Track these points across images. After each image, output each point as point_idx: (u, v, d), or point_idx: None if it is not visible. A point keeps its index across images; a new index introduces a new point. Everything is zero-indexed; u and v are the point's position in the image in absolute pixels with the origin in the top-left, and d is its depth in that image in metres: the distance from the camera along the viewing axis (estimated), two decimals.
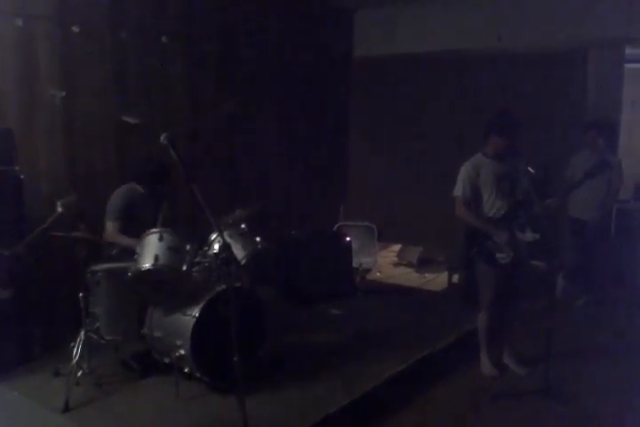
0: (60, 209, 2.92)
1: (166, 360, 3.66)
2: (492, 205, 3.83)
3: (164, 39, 5.15)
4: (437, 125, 6.58)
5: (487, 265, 3.82)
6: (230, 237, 3.76)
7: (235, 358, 2.88)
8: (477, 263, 3.92)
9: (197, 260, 3.76)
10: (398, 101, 6.84)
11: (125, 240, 3.88)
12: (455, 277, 5.65)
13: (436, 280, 6.02)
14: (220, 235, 3.05)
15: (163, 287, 3.62)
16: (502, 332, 4.09)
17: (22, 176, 3.96)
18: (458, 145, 5.97)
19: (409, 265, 6.52)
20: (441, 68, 6.53)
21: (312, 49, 6.46)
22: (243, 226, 4.09)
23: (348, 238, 5.61)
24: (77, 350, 3.56)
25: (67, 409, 3.35)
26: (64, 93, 4.51)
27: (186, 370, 3.56)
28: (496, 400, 3.66)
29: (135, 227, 3.89)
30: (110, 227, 3.94)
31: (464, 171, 3.85)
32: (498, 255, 3.74)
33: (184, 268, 3.58)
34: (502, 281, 3.83)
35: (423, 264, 6.48)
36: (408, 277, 6.21)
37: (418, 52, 6.39)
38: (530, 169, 3.88)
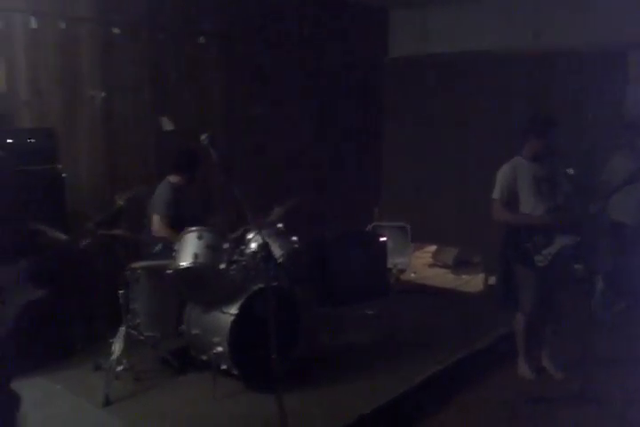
0: (120, 202, 2.95)
1: (203, 357, 3.70)
2: (531, 207, 3.78)
3: (201, 39, 5.22)
4: (473, 126, 6.52)
5: (526, 267, 3.78)
6: (267, 236, 3.78)
7: (273, 357, 2.89)
8: (516, 265, 3.88)
9: (235, 258, 3.80)
10: (433, 101, 6.80)
11: (172, 233, 3.93)
12: (491, 279, 5.60)
13: (472, 282, 5.96)
14: (259, 234, 3.07)
15: (201, 285, 3.67)
16: (541, 335, 4.04)
17: (64, 174, 4.06)
18: (495, 146, 5.91)
19: (444, 266, 6.47)
20: (476, 67, 6.47)
21: (346, 49, 6.47)
22: (280, 225, 4.11)
23: (382, 239, 5.59)
24: (117, 345, 3.64)
25: (107, 403, 3.42)
26: (104, 94, 4.60)
27: (223, 367, 3.59)
28: (533, 404, 3.61)
29: (181, 219, 3.97)
30: (157, 220, 4.02)
31: (502, 173, 3.82)
32: (536, 258, 3.70)
33: (222, 266, 3.62)
34: (541, 284, 3.78)
35: (459, 265, 6.42)
36: (443, 278, 6.17)
37: (452, 52, 6.35)
38: (569, 171, 3.83)
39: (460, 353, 4.18)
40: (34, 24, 4.16)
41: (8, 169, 2.76)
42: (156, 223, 4.05)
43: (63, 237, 2.84)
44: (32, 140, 3.92)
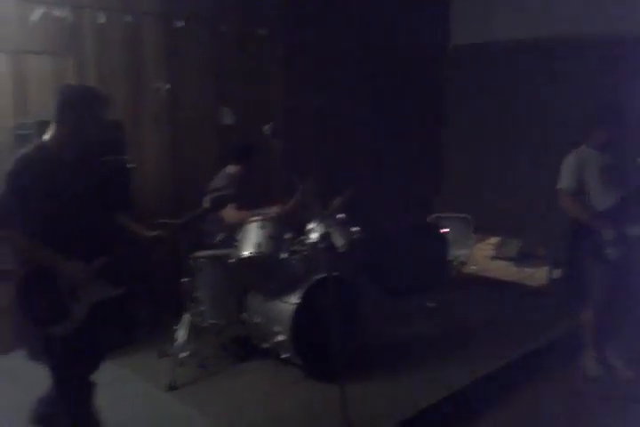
0: (206, 205, 3.02)
1: (265, 345, 3.74)
2: (599, 197, 3.64)
3: (262, 31, 5.25)
4: (538, 114, 6.32)
5: (595, 261, 3.64)
6: (328, 226, 3.78)
7: (335, 346, 2.91)
8: (584, 259, 3.74)
9: (296, 248, 3.82)
10: (497, 90, 6.63)
11: (245, 216, 3.97)
12: (556, 273, 5.43)
13: (536, 275, 5.80)
14: (321, 224, 3.08)
15: (263, 274, 3.71)
16: (610, 331, 3.90)
17: (131, 165, 4.17)
18: (560, 134, 5.71)
19: (507, 259, 6.32)
20: (547, 53, 6.25)
21: (407, 36, 6.37)
22: (340, 215, 4.10)
23: (443, 230, 5.51)
24: (181, 332, 3.72)
25: (172, 388, 3.51)
26: (168, 86, 4.70)
27: (284, 356, 3.63)
28: (596, 403, 3.49)
29: (240, 205, 4.03)
30: (227, 209, 4.07)
31: (568, 163, 3.69)
32: (607, 250, 3.56)
33: (283, 256, 3.65)
34: (611, 278, 3.65)
35: (522, 258, 6.26)
36: (506, 271, 6.03)
37: (517, 39, 6.16)
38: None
39: (523, 348, 4.08)
40: (102, 19, 4.28)
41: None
42: (227, 212, 4.10)
43: (149, 233, 2.88)
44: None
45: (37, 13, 3.97)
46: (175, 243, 3.81)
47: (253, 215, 3.89)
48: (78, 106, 2.55)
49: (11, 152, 3.71)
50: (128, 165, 4.13)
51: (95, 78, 4.30)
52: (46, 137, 2.58)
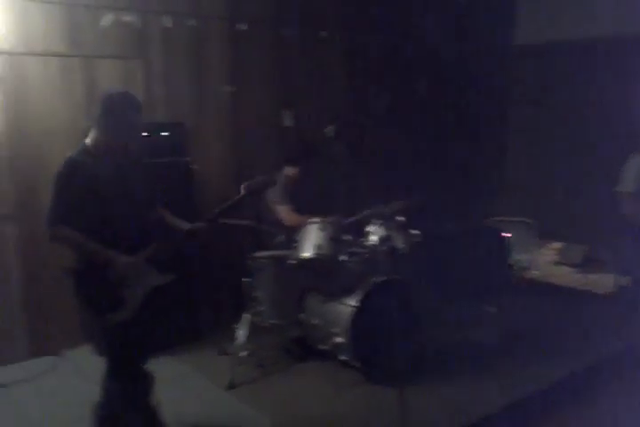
0: (243, 191, 3.06)
1: (323, 347, 3.75)
2: None
3: (323, 34, 5.27)
4: (603, 117, 6.12)
5: None
6: (388, 229, 3.76)
7: (395, 350, 2.89)
8: None
9: (355, 250, 3.81)
10: (560, 91, 6.45)
11: (303, 220, 3.98)
12: (623, 280, 5.24)
13: (601, 282, 5.60)
14: (381, 226, 3.06)
15: (322, 276, 3.72)
16: None
17: (193, 167, 4.26)
18: (627, 135, 5.51)
19: (571, 265, 6.13)
20: (615, 53, 6.05)
21: (470, 37, 6.27)
22: (399, 218, 4.07)
23: (504, 234, 5.40)
24: (241, 331, 3.77)
25: (232, 386, 3.56)
26: (231, 89, 4.77)
27: (342, 358, 3.63)
28: None
29: (297, 209, 4.08)
30: (285, 210, 4.13)
31: (630, 165, 3.56)
32: None
33: (343, 258, 3.65)
34: None
35: (587, 264, 6.06)
36: (569, 277, 5.83)
37: (583, 38, 5.98)
38: None
39: (588, 357, 3.96)
40: (168, 23, 4.39)
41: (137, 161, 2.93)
42: (285, 213, 4.14)
43: (185, 225, 2.96)
44: (165, 134, 4.13)
45: (107, 19, 4.11)
46: (238, 243, 3.89)
47: (312, 220, 3.90)
48: (112, 112, 2.68)
49: None
50: (191, 167, 4.21)
51: (161, 81, 4.41)
52: (87, 141, 2.73)
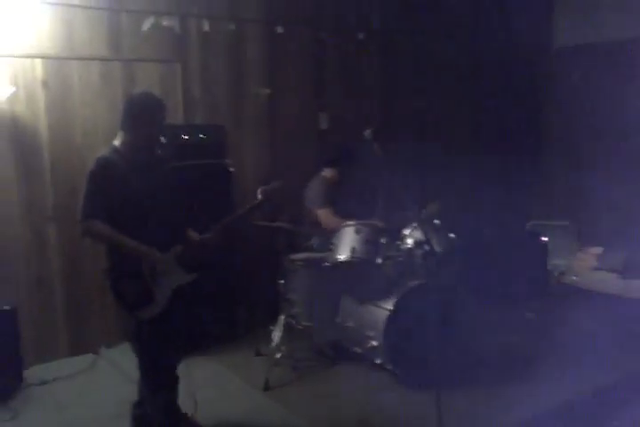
0: (259, 196, 3.08)
1: (358, 350, 3.75)
2: None
3: (360, 36, 5.27)
4: None
5: None
6: (425, 232, 3.74)
7: (430, 354, 2.87)
8: None
9: (391, 253, 3.79)
10: (603, 93, 6.32)
11: (341, 222, 3.96)
12: None
13: None
14: (417, 229, 3.04)
15: (357, 279, 3.72)
16: None
17: (231, 169, 4.29)
18: None
19: (611, 270, 5.99)
20: None
21: (507, 38, 6.19)
22: (436, 221, 4.04)
23: (543, 238, 5.31)
24: (277, 333, 3.79)
25: (267, 388, 3.57)
26: (269, 91, 4.80)
27: (377, 361, 3.61)
28: None
29: (340, 210, 4.08)
30: (323, 214, 4.13)
31: None
32: None
33: (379, 261, 3.64)
34: None
35: (629, 270, 5.91)
36: (610, 283, 5.70)
37: (625, 39, 5.85)
38: None
39: (631, 366, 3.86)
40: (207, 27, 4.44)
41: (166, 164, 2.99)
42: (324, 216, 4.14)
43: (195, 236, 3.00)
44: (203, 136, 4.18)
45: (148, 23, 4.17)
46: (274, 245, 3.91)
47: (348, 222, 3.90)
48: (134, 112, 2.75)
49: None
50: (229, 169, 4.25)
51: (199, 84, 4.46)
52: (116, 142, 2.80)
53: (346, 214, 4.06)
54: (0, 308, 3.57)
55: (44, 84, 3.84)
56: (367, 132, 2.86)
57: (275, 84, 4.84)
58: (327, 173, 4.34)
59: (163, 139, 2.86)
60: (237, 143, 4.62)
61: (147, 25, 4.16)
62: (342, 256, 3.66)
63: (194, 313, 3.29)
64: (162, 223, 2.81)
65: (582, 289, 5.53)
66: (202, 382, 3.24)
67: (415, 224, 3.82)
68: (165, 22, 4.24)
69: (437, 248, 3.78)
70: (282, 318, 3.82)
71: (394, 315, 3.51)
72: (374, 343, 3.56)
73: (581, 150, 6.49)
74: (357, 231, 3.69)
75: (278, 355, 3.72)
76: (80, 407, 3.43)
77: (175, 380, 2.94)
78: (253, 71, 4.74)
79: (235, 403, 3.46)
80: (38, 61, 3.80)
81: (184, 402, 3.03)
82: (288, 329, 3.81)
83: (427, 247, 2.89)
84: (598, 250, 6.18)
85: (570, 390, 3.54)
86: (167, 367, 2.90)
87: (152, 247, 2.73)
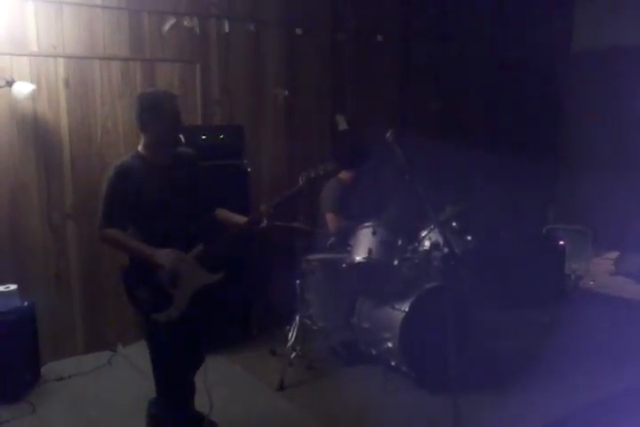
0: (301, 182, 3.05)
1: (373, 351, 3.75)
2: None
3: (379, 38, 5.27)
4: None
5: None
6: (441, 234, 3.73)
7: (446, 356, 2.85)
8: None
9: (408, 255, 3.79)
10: (621, 97, 6.28)
11: (348, 225, 4.01)
12: None
13: None
14: (433, 232, 3.03)
15: (373, 280, 3.72)
16: None
17: (249, 169, 4.31)
18: None
19: (628, 275, 5.95)
20: None
21: (524, 42, 6.17)
22: (454, 224, 4.04)
23: (560, 242, 5.28)
24: (292, 333, 3.80)
25: (281, 388, 3.58)
26: (287, 93, 4.82)
27: (392, 363, 3.61)
28: None
29: (351, 214, 4.09)
30: (331, 218, 4.14)
31: None
32: None
33: (395, 262, 3.64)
34: None
35: None
36: (626, 288, 5.66)
37: None
38: None
39: None
40: (227, 28, 4.47)
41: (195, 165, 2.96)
42: (329, 220, 4.16)
43: (242, 219, 2.96)
44: (222, 137, 4.20)
45: (168, 24, 4.21)
46: (291, 245, 3.92)
47: (355, 225, 3.90)
48: (152, 111, 2.71)
49: None
50: (247, 169, 4.26)
51: (219, 85, 4.49)
52: (139, 147, 2.79)
53: (362, 216, 4.07)
54: (18, 304, 3.60)
55: (66, 82, 3.88)
56: (388, 134, 2.86)
57: (293, 86, 4.86)
58: (343, 174, 4.35)
59: (181, 137, 2.83)
60: (256, 144, 4.64)
61: (167, 25, 4.19)
62: (359, 257, 3.66)
63: (214, 315, 3.23)
64: (184, 224, 2.78)
65: (600, 293, 5.50)
66: (217, 380, 3.23)
67: (432, 226, 3.82)
68: (186, 23, 4.27)
69: (454, 250, 3.77)
70: (297, 318, 3.83)
71: (409, 316, 3.51)
72: (389, 345, 3.56)
73: (599, 154, 6.46)
74: (374, 233, 3.69)
75: (293, 355, 3.72)
76: (96, 404, 3.46)
77: (191, 387, 2.92)
78: (272, 72, 4.76)
79: (249, 402, 3.47)
80: (60, 60, 3.84)
81: (199, 400, 3.05)
82: (303, 329, 3.82)
83: (445, 249, 2.87)
84: (614, 255, 6.14)
85: (586, 395, 3.52)
86: (183, 372, 2.86)
87: (174, 248, 2.68)
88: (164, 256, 2.64)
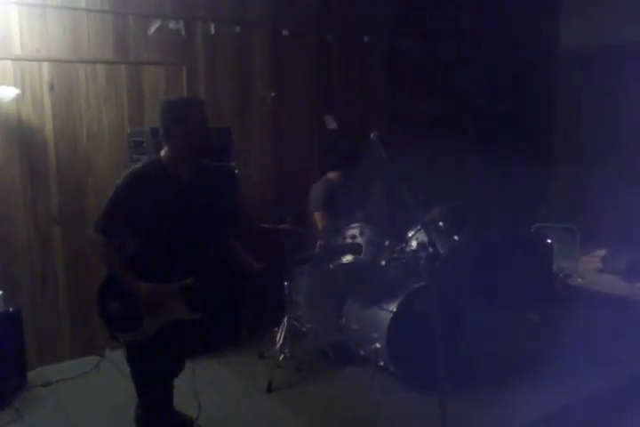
0: (318, 249, 3.11)
1: (362, 352, 3.75)
2: None
3: (365, 39, 5.27)
4: None
5: None
6: (428, 234, 3.73)
7: (434, 357, 2.85)
8: None
9: (395, 256, 3.80)
10: (610, 95, 6.31)
11: (336, 224, 4.02)
12: None
13: None
14: (425, 232, 3.03)
15: (361, 281, 3.72)
16: None
17: (236, 171, 4.30)
18: None
19: (615, 272, 5.98)
20: None
21: (512, 40, 6.19)
22: (440, 224, 4.05)
23: (548, 241, 5.30)
24: (281, 335, 3.79)
25: (270, 390, 3.57)
26: (274, 94, 4.81)
27: (380, 363, 3.61)
28: None
29: (339, 213, 4.09)
30: (319, 217, 4.14)
31: None
32: None
33: (383, 263, 3.64)
34: None
35: (632, 272, 5.90)
36: (614, 285, 5.69)
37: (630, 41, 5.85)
38: None
39: (634, 369, 3.85)
40: (212, 30, 4.46)
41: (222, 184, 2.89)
42: (319, 220, 4.16)
43: (256, 265, 2.93)
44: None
45: (154, 26, 4.19)
46: (279, 246, 3.91)
47: (343, 224, 3.92)
48: (178, 120, 2.55)
49: (126, 158, 3.96)
50: (235, 171, 4.25)
51: (205, 87, 4.47)
52: (162, 153, 2.65)
53: (349, 216, 4.08)
54: (4, 309, 3.58)
55: (50, 86, 3.85)
56: (373, 134, 2.85)
57: (280, 87, 4.85)
58: (332, 175, 4.35)
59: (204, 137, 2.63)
60: (243, 145, 4.63)
61: (152, 28, 4.18)
62: (346, 258, 3.66)
63: (188, 343, 3.06)
64: (186, 247, 2.62)
65: (588, 291, 5.52)
66: (205, 383, 3.23)
67: (419, 226, 3.82)
68: (171, 25, 4.25)
69: (441, 250, 3.78)
70: (286, 319, 3.83)
71: (397, 317, 3.51)
72: (378, 345, 3.56)
73: (586, 152, 6.49)
74: (361, 234, 3.69)
75: (282, 357, 3.72)
76: (84, 409, 3.44)
77: (168, 392, 2.92)
78: (259, 74, 4.75)
79: (238, 405, 3.46)
80: (44, 64, 3.82)
81: (187, 404, 3.04)
82: (292, 331, 3.82)
83: (431, 249, 2.88)
84: (601, 252, 6.17)
85: (575, 393, 3.53)
86: (157, 382, 2.85)
87: (166, 271, 2.59)
88: (143, 288, 2.56)
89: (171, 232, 2.58)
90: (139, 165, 2.65)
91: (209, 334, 4.02)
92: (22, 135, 3.80)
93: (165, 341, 2.69)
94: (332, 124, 5.06)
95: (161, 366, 2.81)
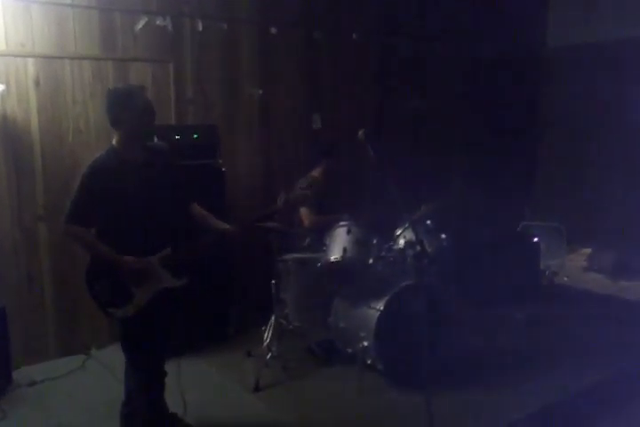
0: (279, 203, 3.10)
1: (349, 350, 3.74)
2: None
3: (354, 36, 5.27)
4: (637, 120, 6.00)
5: None
6: (416, 233, 3.74)
7: (421, 354, 2.86)
8: None
9: (382, 254, 3.80)
10: (596, 93, 6.35)
11: (322, 219, 4.08)
12: None
13: (634, 289, 5.51)
14: (412, 230, 3.04)
15: (349, 279, 3.72)
16: None
17: (224, 169, 4.28)
18: None
19: (601, 271, 6.03)
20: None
21: (498, 38, 6.21)
22: (428, 222, 4.05)
23: (535, 239, 5.33)
24: (268, 333, 3.78)
25: (257, 389, 3.56)
26: (261, 92, 4.80)
27: (368, 362, 3.61)
28: None
29: (323, 210, 4.15)
30: (303, 212, 4.15)
31: None
32: None
33: (370, 261, 3.64)
34: None
35: (617, 271, 5.95)
36: (600, 283, 5.74)
37: (623, 39, 5.88)
38: None
39: (619, 366, 3.88)
40: (200, 27, 4.43)
41: (170, 161, 2.97)
42: (303, 215, 4.16)
43: (223, 226, 2.99)
44: (196, 136, 4.16)
45: (140, 23, 4.16)
46: (267, 245, 3.90)
47: (330, 220, 3.94)
48: (122, 105, 2.71)
49: None
50: (222, 169, 4.24)
51: (192, 84, 4.45)
52: (113, 142, 2.80)
53: (331, 213, 4.10)
54: None
55: (36, 82, 3.82)
56: (360, 133, 2.86)
57: (268, 84, 4.84)
58: (315, 172, 4.36)
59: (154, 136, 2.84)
60: (231, 143, 4.61)
61: (140, 24, 4.15)
62: (334, 256, 3.66)
63: (179, 313, 3.26)
64: (157, 222, 2.78)
65: (574, 289, 5.56)
66: (192, 382, 3.22)
67: (407, 225, 3.83)
68: (158, 22, 4.22)
69: (428, 248, 3.78)
70: (273, 318, 3.82)
71: (384, 315, 3.51)
72: (365, 344, 3.56)
73: (573, 151, 6.53)
74: (348, 232, 3.69)
75: (269, 355, 3.71)
76: (69, 408, 3.41)
77: (161, 376, 2.96)
78: (246, 71, 4.73)
79: (224, 404, 3.45)
80: (30, 60, 3.78)
81: (173, 402, 3.03)
82: (279, 329, 3.81)
83: (418, 248, 2.88)
84: (587, 251, 6.22)
85: (560, 391, 3.55)
86: (150, 364, 2.90)
87: (142, 251, 2.72)
88: (126, 262, 2.70)
89: (140, 211, 2.73)
90: (98, 155, 2.78)
91: (196, 333, 4.01)
92: (7, 132, 3.76)
93: (156, 312, 2.81)
94: (317, 123, 5.06)
95: (154, 342, 2.89)
